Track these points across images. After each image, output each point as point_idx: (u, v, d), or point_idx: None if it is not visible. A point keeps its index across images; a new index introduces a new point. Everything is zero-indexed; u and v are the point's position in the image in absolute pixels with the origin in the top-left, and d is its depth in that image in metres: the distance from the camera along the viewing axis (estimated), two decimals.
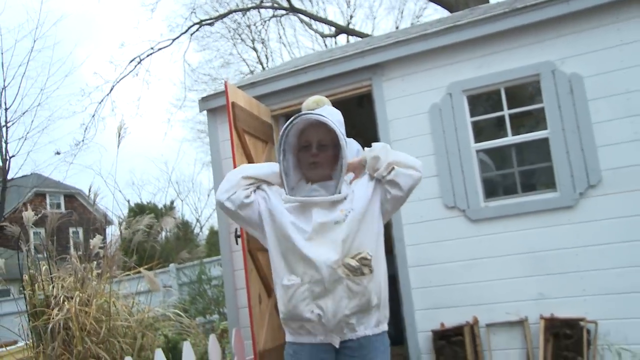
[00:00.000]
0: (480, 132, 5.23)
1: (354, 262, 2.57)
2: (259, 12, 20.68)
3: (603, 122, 4.66)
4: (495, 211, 4.95)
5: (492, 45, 5.06)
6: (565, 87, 4.76)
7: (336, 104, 5.30)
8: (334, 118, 2.75)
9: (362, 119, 7.10)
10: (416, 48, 5.25)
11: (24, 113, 20.60)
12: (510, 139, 5.00)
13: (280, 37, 29.55)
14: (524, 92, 5.18)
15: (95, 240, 5.16)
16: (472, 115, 5.14)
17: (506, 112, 5.00)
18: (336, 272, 2.57)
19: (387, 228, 5.38)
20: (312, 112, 2.76)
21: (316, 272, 2.59)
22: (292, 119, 2.72)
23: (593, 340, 4.44)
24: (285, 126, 2.72)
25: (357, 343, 2.63)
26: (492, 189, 5.22)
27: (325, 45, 23.02)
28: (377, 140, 5.35)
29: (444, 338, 4.92)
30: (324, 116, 2.73)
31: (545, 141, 4.87)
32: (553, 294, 4.70)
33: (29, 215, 5.16)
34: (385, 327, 2.72)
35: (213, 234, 28.18)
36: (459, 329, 4.87)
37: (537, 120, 5.06)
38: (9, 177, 19.82)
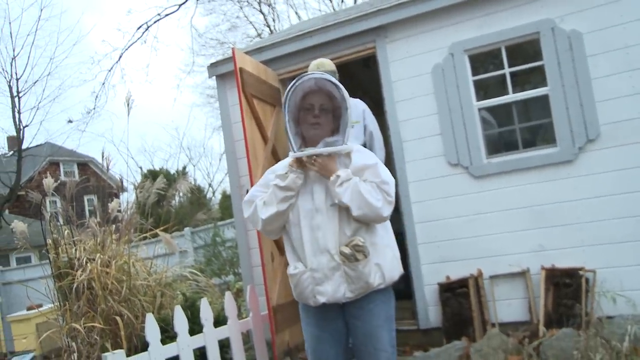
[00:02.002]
0: (482, 90, 5.34)
1: (347, 250, 2.78)
2: None
3: (602, 77, 4.76)
4: (498, 167, 5.09)
5: (493, 4, 5.14)
6: (565, 44, 4.86)
7: (341, 66, 5.48)
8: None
9: (368, 80, 7.21)
10: (419, 9, 5.33)
11: (35, 82, 20.79)
12: (511, 97, 5.11)
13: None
14: (524, 50, 5.26)
15: (114, 204, 5.37)
16: (473, 74, 5.25)
17: (507, 71, 5.11)
18: (333, 259, 2.79)
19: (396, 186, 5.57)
20: (316, 72, 2.92)
21: (314, 260, 2.82)
22: (296, 79, 2.89)
23: (591, 288, 4.62)
24: (289, 87, 2.88)
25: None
26: (494, 146, 5.35)
27: (333, 7, 22.89)
28: (382, 100, 5.48)
29: (450, 290, 5.12)
30: (329, 80, 2.89)
31: (545, 98, 4.98)
32: (553, 245, 4.87)
33: (49, 182, 5.35)
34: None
35: (226, 197, 28.52)
36: (463, 281, 5.07)
37: (537, 77, 5.16)
38: (23, 147, 20.03)
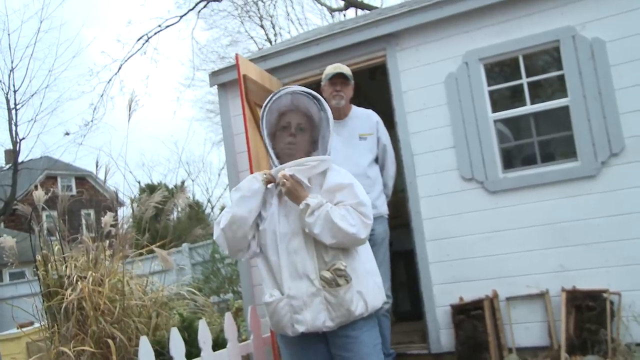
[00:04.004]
0: (498, 101, 5.09)
1: (328, 274, 2.57)
2: None
3: (626, 88, 4.50)
4: (514, 182, 4.83)
5: (510, 11, 4.90)
6: (587, 52, 4.61)
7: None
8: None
9: (374, 92, 6.98)
10: (431, 16, 5.09)
11: (32, 95, 20.42)
12: (529, 108, 4.86)
13: (289, 14, 29.25)
14: (543, 59, 5.02)
15: (107, 218, 5.08)
16: (489, 84, 5.00)
17: (525, 80, 4.86)
18: (313, 284, 2.58)
19: (404, 201, 5.30)
20: (294, 87, 2.77)
21: (292, 286, 2.61)
22: (272, 95, 2.73)
23: (617, 312, 4.34)
24: (265, 103, 2.72)
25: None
26: (510, 160, 5.09)
27: (334, 21, 22.79)
28: (391, 112, 5.23)
29: (463, 312, 4.84)
30: (305, 93, 2.74)
31: (565, 109, 4.73)
32: (574, 265, 4.59)
33: (39, 194, 5.09)
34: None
35: None
36: (478, 302, 4.78)
37: (557, 88, 4.90)
38: (20, 159, 19.76)
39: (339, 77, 4.49)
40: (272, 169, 2.75)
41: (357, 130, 4.57)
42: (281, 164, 2.75)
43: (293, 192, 2.61)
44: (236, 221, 2.67)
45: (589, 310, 4.37)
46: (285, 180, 2.61)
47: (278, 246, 2.66)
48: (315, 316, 2.59)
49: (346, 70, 4.52)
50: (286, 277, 2.63)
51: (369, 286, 2.68)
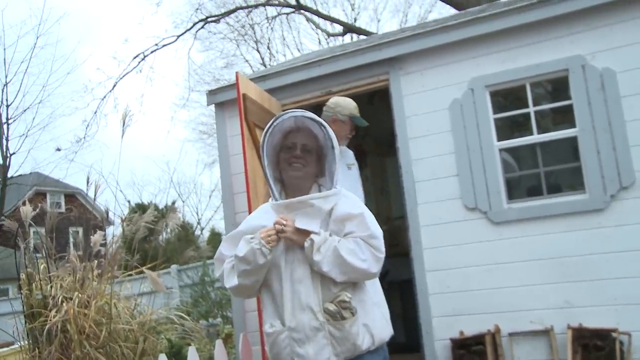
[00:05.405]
0: (503, 129, 4.96)
1: (332, 307, 2.41)
2: (265, 9, 20.39)
3: (637, 119, 4.39)
4: (519, 213, 4.68)
5: (518, 38, 4.80)
6: (597, 82, 4.50)
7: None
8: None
9: (372, 118, 6.84)
10: (437, 41, 4.99)
11: (25, 110, 20.23)
12: (536, 137, 4.73)
13: (285, 39, 29.24)
14: (551, 88, 4.91)
15: (96, 237, 4.88)
16: (495, 112, 4.87)
17: (532, 109, 4.74)
18: (316, 318, 2.40)
19: (401, 229, 5.15)
20: (297, 110, 2.56)
21: (293, 318, 2.44)
22: (274, 119, 2.53)
23: (627, 353, 4.16)
24: (266, 128, 2.51)
25: None
26: (515, 190, 4.96)
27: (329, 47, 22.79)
28: (387, 139, 5.09)
29: (464, 347, 4.65)
30: (310, 117, 2.53)
31: (573, 140, 4.60)
32: (581, 302, 4.43)
33: (27, 210, 4.90)
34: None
35: (214, 235, 27.95)
36: (479, 337, 4.60)
37: (564, 117, 4.78)
38: (9, 175, 19.52)
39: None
40: (274, 202, 2.55)
41: (345, 160, 4.44)
42: (286, 189, 2.58)
43: (292, 238, 2.44)
44: (243, 287, 2.53)
45: (597, 350, 4.19)
46: (282, 226, 2.42)
47: (282, 274, 2.48)
48: (318, 351, 2.40)
49: None
50: (288, 307, 2.45)
51: (375, 318, 2.52)
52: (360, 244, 2.40)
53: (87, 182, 5.04)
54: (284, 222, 2.42)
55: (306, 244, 2.40)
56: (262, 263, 2.43)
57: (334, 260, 2.37)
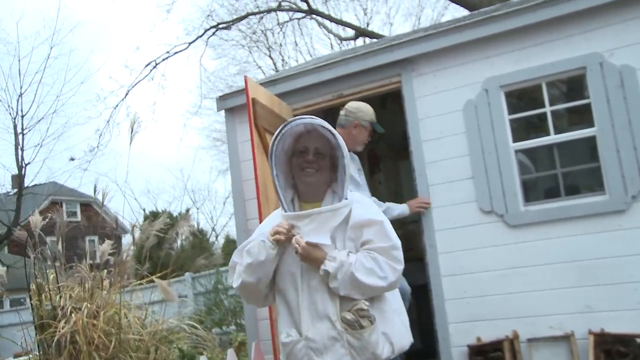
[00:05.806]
0: (519, 130, 4.85)
1: (350, 316, 2.36)
2: (276, 14, 20.36)
3: None
4: (537, 216, 4.56)
5: (532, 37, 4.69)
6: (616, 80, 4.37)
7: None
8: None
9: (384, 121, 6.75)
10: (449, 41, 4.88)
11: (39, 120, 20.37)
12: (552, 138, 4.61)
13: (297, 45, 29.25)
14: (568, 87, 4.79)
15: (105, 246, 4.82)
16: (510, 112, 4.76)
17: (548, 109, 4.62)
18: (334, 327, 2.36)
19: (415, 234, 5.05)
20: (306, 117, 2.49)
21: (310, 327, 2.40)
22: (283, 125, 2.47)
23: None
24: (276, 134, 2.45)
25: None
26: (532, 192, 4.83)
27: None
28: (400, 143, 5.01)
29: (481, 354, 4.54)
30: (321, 124, 2.46)
31: (592, 139, 4.48)
32: (602, 307, 4.30)
33: (36, 220, 4.85)
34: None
35: (229, 242, 27.99)
36: (497, 343, 4.49)
37: (582, 117, 4.66)
38: (25, 184, 19.63)
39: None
40: (284, 213, 2.49)
41: (355, 165, 4.42)
42: (299, 195, 2.53)
43: (308, 257, 2.39)
44: (247, 287, 2.51)
45: (620, 357, 4.06)
46: (297, 246, 2.38)
47: (298, 283, 2.43)
48: None
49: None
50: (305, 317, 2.40)
51: (395, 326, 2.47)
52: (379, 260, 2.35)
53: (95, 191, 4.99)
54: (300, 242, 2.38)
55: (321, 273, 2.36)
56: (263, 259, 2.36)
57: (351, 284, 2.33)
